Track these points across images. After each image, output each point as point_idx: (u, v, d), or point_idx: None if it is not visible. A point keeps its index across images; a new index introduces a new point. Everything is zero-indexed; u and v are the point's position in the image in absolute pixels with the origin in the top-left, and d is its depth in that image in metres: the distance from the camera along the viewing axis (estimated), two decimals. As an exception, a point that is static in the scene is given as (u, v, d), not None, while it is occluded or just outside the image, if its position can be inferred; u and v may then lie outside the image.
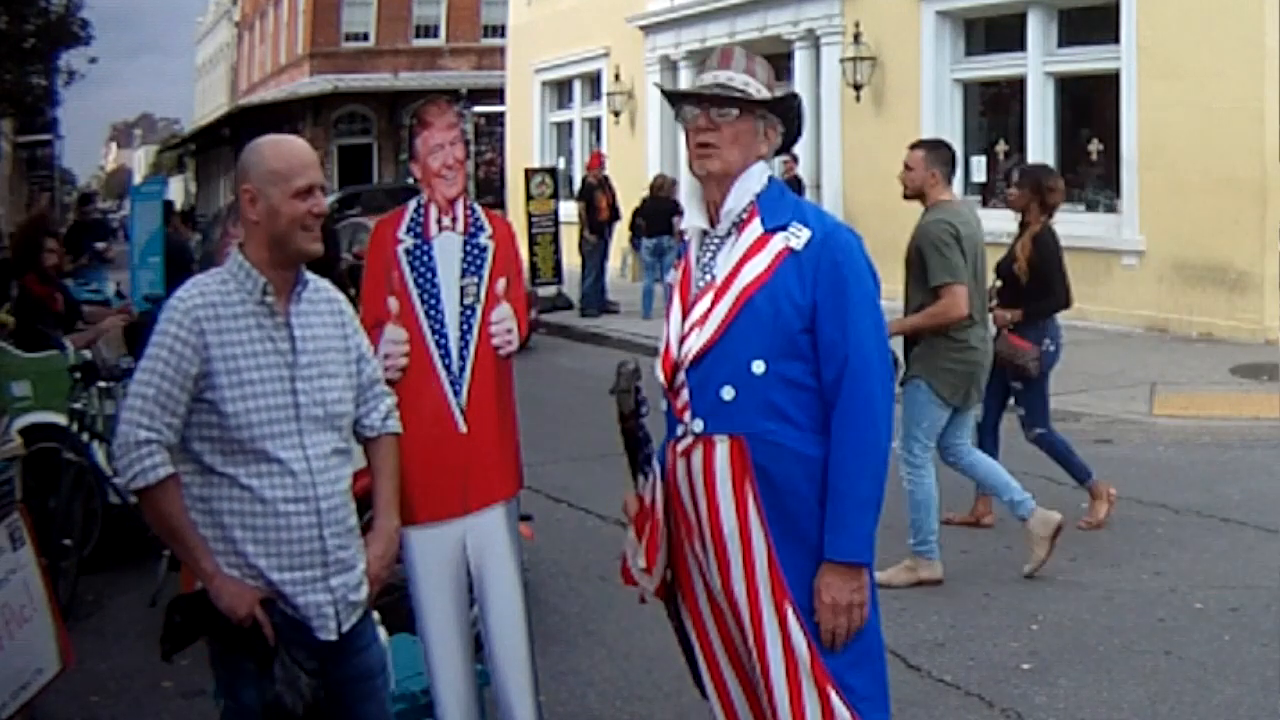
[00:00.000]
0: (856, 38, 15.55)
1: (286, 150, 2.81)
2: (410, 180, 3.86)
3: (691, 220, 2.89)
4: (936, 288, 5.59)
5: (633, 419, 2.85)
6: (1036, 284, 6.51)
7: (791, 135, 2.90)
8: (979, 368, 5.80)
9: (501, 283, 3.69)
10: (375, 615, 3.33)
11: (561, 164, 23.47)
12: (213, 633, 2.71)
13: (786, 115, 2.85)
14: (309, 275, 2.88)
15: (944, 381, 5.67)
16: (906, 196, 5.88)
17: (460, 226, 3.70)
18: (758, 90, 2.79)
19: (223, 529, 2.71)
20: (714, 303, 2.75)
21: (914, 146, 5.89)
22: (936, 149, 5.90)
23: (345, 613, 2.83)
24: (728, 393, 2.72)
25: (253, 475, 2.70)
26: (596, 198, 16.93)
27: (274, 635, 2.69)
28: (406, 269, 3.64)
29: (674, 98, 2.92)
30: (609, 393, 2.91)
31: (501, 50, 27.61)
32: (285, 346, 2.77)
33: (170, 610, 2.75)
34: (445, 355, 3.63)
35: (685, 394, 2.79)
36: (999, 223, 14.29)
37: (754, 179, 2.81)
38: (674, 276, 2.93)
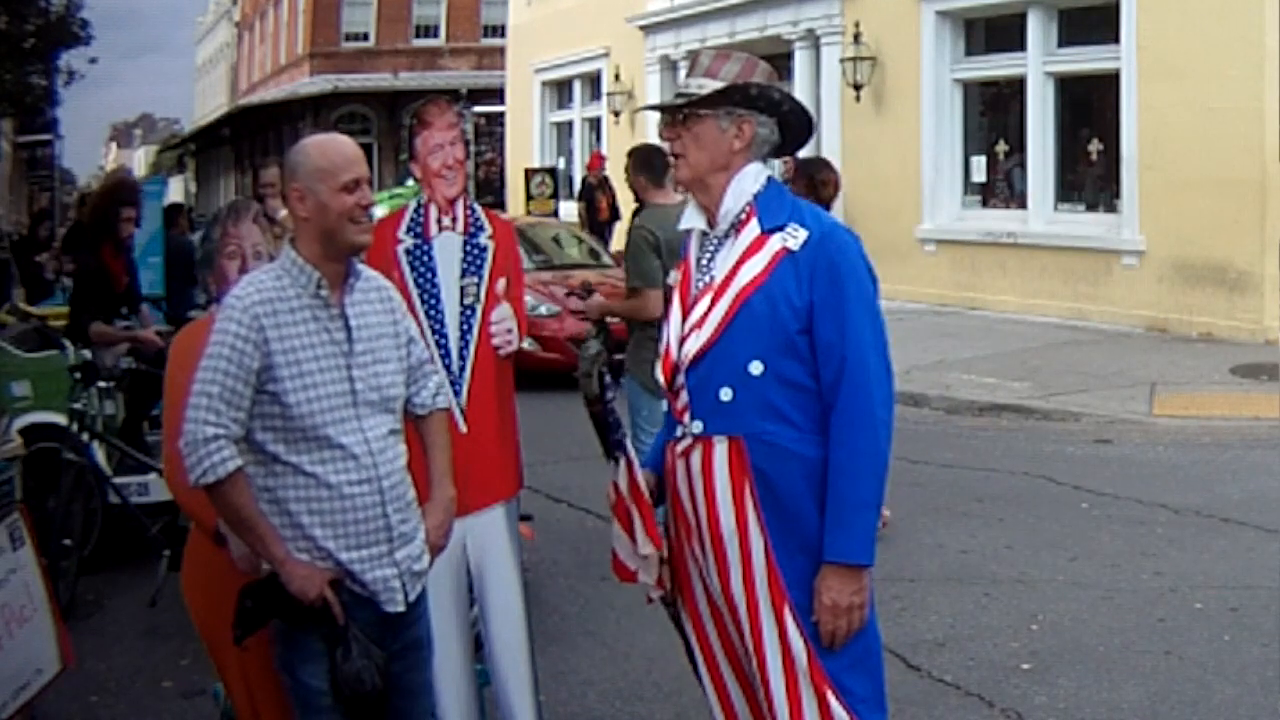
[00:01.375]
0: (856, 38, 15.55)
1: (331, 148, 2.91)
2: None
3: (690, 221, 2.89)
4: (630, 288, 5.97)
5: (599, 403, 2.86)
6: None
7: (787, 124, 2.85)
8: None
9: (501, 283, 3.70)
10: None
11: (561, 164, 23.49)
12: (283, 614, 2.80)
13: (755, 105, 2.79)
14: (360, 266, 2.97)
15: (649, 374, 5.90)
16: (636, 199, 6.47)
17: (460, 226, 3.70)
18: (713, 89, 2.77)
19: (290, 516, 2.81)
20: (712, 304, 2.75)
21: (628, 154, 6.34)
22: (636, 154, 6.26)
23: (411, 583, 2.93)
24: (726, 394, 2.71)
25: (316, 462, 2.80)
26: (596, 198, 16.95)
27: (343, 614, 2.78)
28: (406, 269, 3.64)
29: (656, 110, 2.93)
30: (574, 376, 2.93)
31: (501, 50, 27.62)
32: (341, 336, 2.87)
33: (242, 596, 2.83)
34: (445, 355, 3.63)
35: (685, 395, 2.79)
36: (998, 222, 14.39)
37: (749, 179, 2.80)
38: (674, 277, 2.93)
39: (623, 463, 2.87)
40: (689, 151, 2.81)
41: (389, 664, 2.84)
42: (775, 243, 2.73)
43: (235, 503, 2.75)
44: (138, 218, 7.23)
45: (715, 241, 2.83)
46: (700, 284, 2.82)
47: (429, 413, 3.12)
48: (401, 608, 2.90)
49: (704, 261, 2.84)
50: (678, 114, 2.81)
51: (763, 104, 2.80)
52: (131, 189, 7.78)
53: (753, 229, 2.77)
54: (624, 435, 2.86)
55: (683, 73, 2.89)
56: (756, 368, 2.69)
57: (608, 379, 2.86)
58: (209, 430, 2.71)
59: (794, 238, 2.73)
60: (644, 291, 5.90)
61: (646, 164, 6.19)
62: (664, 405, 5.95)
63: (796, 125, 2.89)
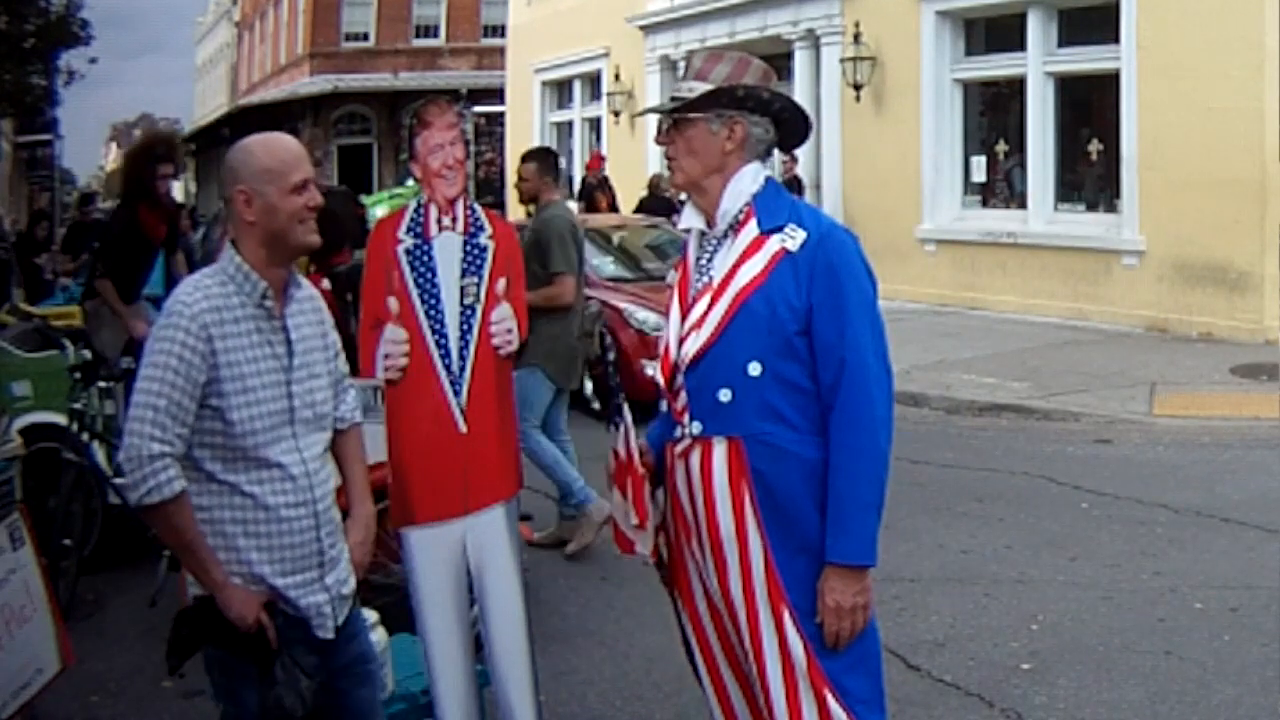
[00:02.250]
0: (856, 38, 15.55)
1: (278, 148, 2.81)
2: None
3: (689, 221, 2.89)
4: (553, 274, 6.12)
5: (600, 364, 2.86)
6: None
7: (783, 121, 2.85)
8: (580, 351, 6.29)
9: (502, 283, 3.70)
10: (374, 616, 3.34)
11: (562, 164, 23.45)
12: (218, 640, 2.71)
13: (744, 106, 2.79)
14: (299, 275, 2.90)
15: (555, 365, 6.11)
16: (522, 201, 6.81)
17: (460, 226, 3.70)
18: (702, 92, 2.77)
19: (224, 537, 2.70)
20: (711, 305, 2.75)
21: (524, 159, 6.70)
22: (544, 160, 6.67)
23: (340, 608, 2.87)
24: (725, 395, 2.71)
25: (254, 482, 2.70)
26: (596, 198, 16.94)
27: (276, 639, 2.70)
28: (406, 269, 3.64)
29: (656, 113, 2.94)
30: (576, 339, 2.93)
31: (501, 50, 27.60)
32: (282, 350, 2.78)
33: (178, 623, 2.75)
34: (445, 355, 3.63)
35: (684, 396, 2.79)
36: (998, 222, 14.39)
37: (747, 180, 2.80)
38: (673, 278, 2.93)
39: (621, 429, 2.87)
40: (681, 156, 2.81)
41: (317, 692, 2.75)
42: (774, 244, 2.73)
43: (178, 525, 2.63)
44: (176, 172, 7.16)
45: (714, 242, 2.83)
46: (699, 284, 2.82)
47: (347, 427, 3.03)
48: (331, 634, 2.82)
49: (702, 262, 2.84)
50: (669, 118, 2.81)
51: (752, 104, 2.80)
52: (168, 143, 7.70)
53: (751, 230, 2.77)
54: (623, 400, 2.86)
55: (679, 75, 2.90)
56: (755, 369, 2.69)
57: (608, 340, 2.86)
58: (154, 447, 2.56)
59: (793, 239, 2.73)
60: (565, 276, 6.08)
61: (550, 165, 6.61)
62: (548, 398, 6.19)
63: (792, 122, 2.89)
